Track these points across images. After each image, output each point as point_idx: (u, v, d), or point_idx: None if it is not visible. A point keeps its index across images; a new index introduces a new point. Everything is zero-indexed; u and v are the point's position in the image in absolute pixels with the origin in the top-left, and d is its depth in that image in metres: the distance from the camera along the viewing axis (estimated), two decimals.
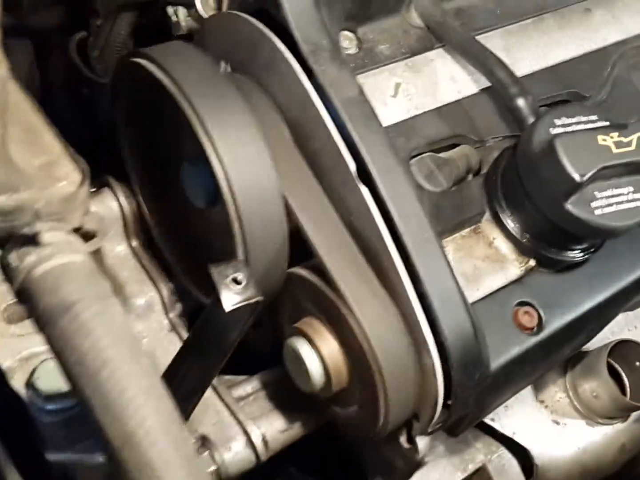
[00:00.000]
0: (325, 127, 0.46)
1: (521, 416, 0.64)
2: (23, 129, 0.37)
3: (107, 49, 0.65)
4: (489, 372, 0.48)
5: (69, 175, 0.36)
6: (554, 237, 0.51)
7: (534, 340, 0.51)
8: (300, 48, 0.47)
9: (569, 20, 0.67)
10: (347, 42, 0.57)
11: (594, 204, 0.48)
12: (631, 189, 0.49)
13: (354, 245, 0.47)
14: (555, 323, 0.52)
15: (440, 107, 0.57)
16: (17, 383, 0.51)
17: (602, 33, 0.68)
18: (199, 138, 0.44)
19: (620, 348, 0.65)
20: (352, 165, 0.46)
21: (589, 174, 0.46)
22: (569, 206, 0.47)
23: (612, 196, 0.48)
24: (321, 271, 0.47)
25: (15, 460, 0.47)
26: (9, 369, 0.52)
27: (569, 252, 0.52)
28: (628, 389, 0.67)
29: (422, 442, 0.52)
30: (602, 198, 0.48)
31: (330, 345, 0.48)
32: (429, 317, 0.46)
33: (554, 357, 0.55)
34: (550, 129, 0.49)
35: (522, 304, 0.52)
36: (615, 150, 0.47)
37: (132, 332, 0.34)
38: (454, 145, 0.56)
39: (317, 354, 0.48)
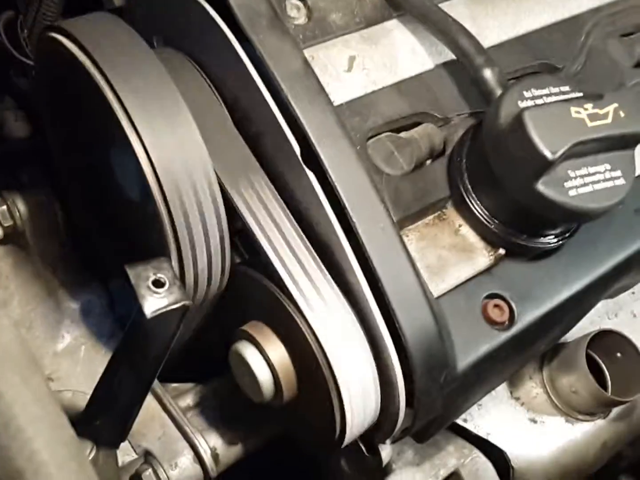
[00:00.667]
0: (265, 105, 0.41)
1: (496, 415, 0.60)
2: None
3: (37, 28, 0.59)
4: (456, 372, 0.43)
5: None
6: (524, 222, 0.46)
7: (505, 335, 0.46)
8: (236, 15, 0.41)
9: None
10: (295, 11, 0.51)
11: (567, 184, 0.43)
12: (608, 166, 0.44)
13: (304, 239, 0.42)
14: (528, 316, 0.47)
15: (399, 82, 0.51)
16: None
17: (576, 0, 0.63)
18: (119, 122, 0.38)
19: (600, 338, 0.61)
20: (296, 148, 0.41)
21: (562, 151, 0.41)
22: (540, 187, 0.42)
23: (588, 175, 0.43)
24: (268, 269, 0.42)
25: None
26: None
27: (542, 238, 0.47)
28: (609, 382, 0.63)
29: (385, 451, 0.47)
30: (576, 177, 0.43)
31: (279, 351, 0.43)
32: (386, 317, 0.41)
33: (528, 352, 0.50)
34: (519, 102, 0.44)
35: (491, 296, 0.47)
36: (590, 123, 0.42)
37: (24, 347, 0.29)
38: (415, 124, 0.51)
39: (266, 361, 0.43)
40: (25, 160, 0.62)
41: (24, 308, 0.55)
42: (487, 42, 0.57)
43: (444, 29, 0.51)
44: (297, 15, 0.51)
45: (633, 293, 0.69)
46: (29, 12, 0.60)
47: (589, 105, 0.43)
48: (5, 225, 0.52)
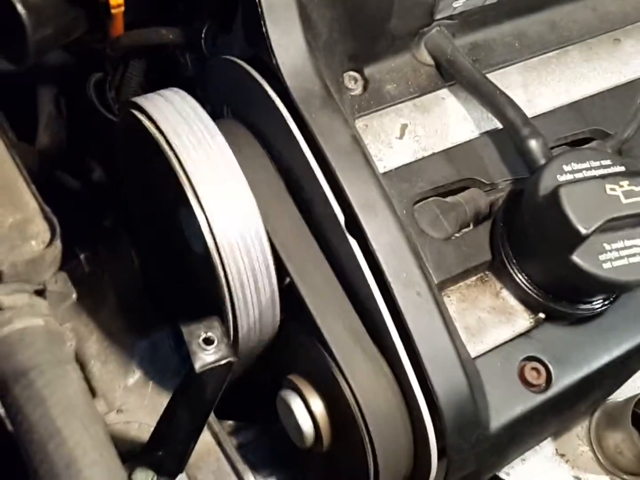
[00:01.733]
0: (314, 177, 0.45)
1: (539, 471, 0.60)
2: (2, 187, 0.37)
3: (123, 89, 0.65)
4: (488, 432, 0.45)
5: (39, 234, 0.36)
6: (563, 289, 0.48)
7: (541, 398, 0.47)
8: (292, 96, 0.45)
9: (596, 52, 0.64)
10: (352, 82, 0.55)
11: (602, 257, 0.44)
12: None
13: (347, 300, 0.45)
14: (566, 380, 0.48)
15: (448, 149, 0.54)
16: None
17: (632, 65, 0.64)
18: (184, 191, 0.43)
19: None
20: (341, 217, 0.44)
21: (595, 227, 0.43)
22: (576, 258, 0.44)
23: (624, 248, 0.45)
24: (313, 328, 0.45)
25: None
26: None
27: (581, 305, 0.48)
28: None
29: None
30: (611, 250, 0.44)
31: (321, 404, 0.46)
32: (420, 377, 0.43)
33: (565, 415, 0.51)
34: (558, 176, 0.46)
35: (529, 359, 0.49)
36: (624, 200, 0.44)
37: (87, 399, 0.33)
38: (462, 189, 0.54)
39: (309, 410, 0.46)
40: (109, 206, 0.68)
41: (101, 344, 0.60)
42: (538, 109, 0.59)
43: (492, 101, 0.53)
44: (354, 87, 0.55)
45: None
46: (116, 74, 0.66)
47: (625, 182, 0.44)
48: (87, 270, 0.57)
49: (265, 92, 0.46)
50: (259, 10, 0.44)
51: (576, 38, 0.63)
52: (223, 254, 0.43)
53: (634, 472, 0.61)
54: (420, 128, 0.55)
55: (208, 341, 0.38)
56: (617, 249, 0.44)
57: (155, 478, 0.52)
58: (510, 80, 0.59)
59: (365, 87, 0.55)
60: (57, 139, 0.71)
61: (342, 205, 0.44)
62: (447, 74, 0.56)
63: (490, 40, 0.60)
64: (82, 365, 0.58)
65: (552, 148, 0.55)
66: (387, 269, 0.43)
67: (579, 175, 0.46)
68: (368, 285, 0.44)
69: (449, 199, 0.53)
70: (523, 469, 0.60)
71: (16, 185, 0.38)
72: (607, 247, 0.44)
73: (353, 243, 0.44)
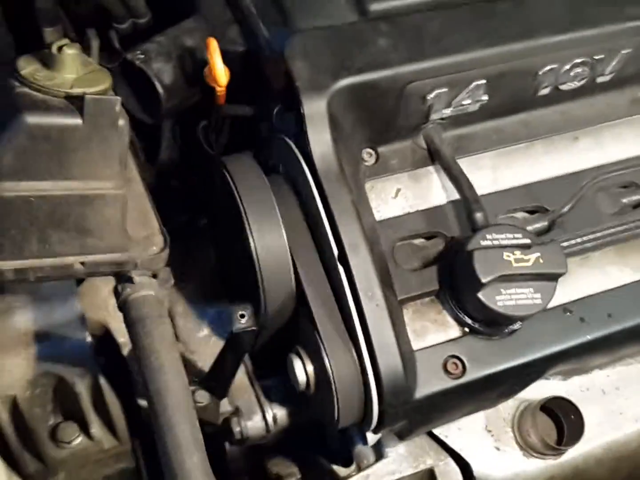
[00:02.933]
0: (323, 223, 0.70)
1: (470, 438, 0.84)
2: (138, 211, 0.65)
3: (220, 136, 0.92)
4: (412, 399, 0.69)
5: (158, 243, 0.63)
6: (477, 316, 0.71)
7: (455, 383, 0.71)
8: (317, 172, 0.71)
9: (556, 147, 0.85)
10: (367, 156, 0.79)
11: (498, 297, 0.67)
12: (532, 290, 0.68)
13: (335, 304, 0.70)
14: (475, 374, 0.72)
15: (427, 209, 0.78)
16: None
17: (583, 159, 0.84)
18: (245, 228, 0.69)
19: (557, 401, 0.83)
20: (335, 251, 0.69)
21: (490, 278, 0.66)
22: (480, 296, 0.67)
23: (515, 293, 0.68)
24: (312, 318, 0.71)
25: None
26: None
27: (491, 327, 0.72)
28: (566, 433, 0.85)
29: (370, 437, 0.74)
30: (506, 294, 0.68)
31: (312, 366, 0.72)
32: (372, 357, 0.68)
33: (474, 399, 0.75)
34: (481, 241, 0.69)
35: (453, 356, 0.72)
36: (514, 264, 0.67)
37: (174, 340, 0.60)
38: (431, 237, 0.78)
39: (304, 369, 0.72)
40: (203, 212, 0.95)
41: (185, 308, 0.88)
42: (500, 187, 0.81)
43: (457, 181, 0.77)
44: (369, 159, 0.79)
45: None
46: (217, 125, 0.93)
47: (518, 252, 0.67)
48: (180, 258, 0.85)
49: (302, 166, 0.72)
50: (304, 127, 0.70)
51: (543, 134, 0.85)
52: (262, 267, 0.69)
53: (541, 452, 0.84)
54: (410, 192, 0.79)
55: (242, 316, 0.65)
56: (509, 294, 0.67)
57: (208, 396, 0.79)
58: (482, 163, 0.82)
59: (377, 160, 0.79)
60: (172, 160, 0.99)
61: (337, 243, 0.69)
62: (433, 157, 0.80)
63: (473, 133, 0.83)
64: (172, 320, 0.86)
65: (505, 214, 0.79)
66: (360, 287, 0.68)
67: (495, 242, 0.69)
68: (347, 297, 0.69)
69: (419, 242, 0.77)
70: (458, 434, 0.84)
71: (145, 206, 0.64)
72: (503, 291, 0.67)
73: (341, 269, 0.69)
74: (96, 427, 0.77)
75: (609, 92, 0.87)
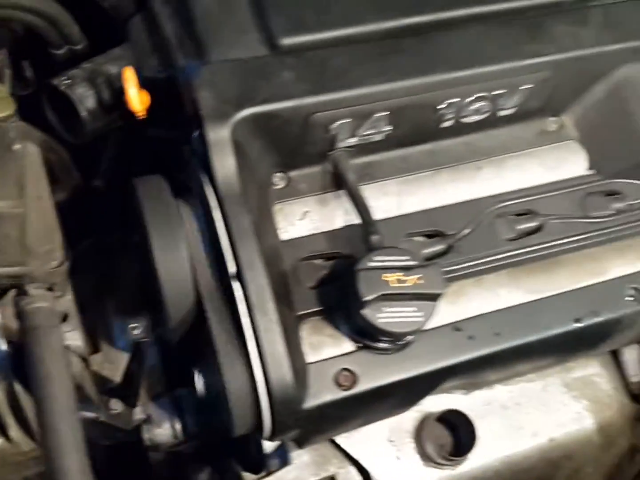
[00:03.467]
0: (222, 242, 0.74)
1: (372, 447, 0.88)
2: (43, 226, 0.69)
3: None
4: (302, 409, 0.73)
5: (58, 258, 0.67)
6: (365, 332, 0.75)
7: (344, 394, 0.75)
8: (220, 194, 0.75)
9: (460, 175, 0.89)
10: (278, 180, 0.84)
11: (379, 315, 0.71)
12: (415, 309, 0.72)
13: (232, 320, 0.74)
14: (365, 386, 0.75)
15: (329, 231, 0.82)
16: None
17: (484, 187, 0.89)
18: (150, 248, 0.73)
19: (453, 414, 0.87)
20: (232, 269, 0.73)
21: (371, 297, 0.70)
22: (364, 313, 0.72)
23: (397, 311, 0.72)
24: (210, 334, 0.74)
25: None
26: None
27: (379, 343, 0.76)
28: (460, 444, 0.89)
29: (268, 445, 0.78)
30: (388, 312, 0.71)
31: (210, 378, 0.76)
32: (264, 371, 0.72)
33: (366, 410, 0.79)
34: (368, 263, 0.73)
35: (345, 369, 0.76)
36: (395, 284, 0.71)
37: (62, 349, 0.64)
38: (332, 258, 0.82)
39: (203, 381, 0.76)
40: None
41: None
42: (403, 211, 0.86)
43: (356, 205, 0.81)
44: (280, 183, 0.84)
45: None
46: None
47: (399, 273, 0.71)
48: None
49: (206, 188, 0.76)
50: (208, 153, 0.74)
51: (448, 163, 0.89)
52: (164, 283, 0.73)
53: (436, 460, 0.87)
54: (316, 215, 0.83)
55: (133, 328, 0.69)
56: (392, 312, 0.72)
57: (121, 404, 0.83)
58: (388, 190, 0.86)
59: (287, 184, 0.84)
60: (108, 179, 1.03)
61: (236, 261, 0.73)
62: (340, 182, 0.84)
63: (380, 161, 0.87)
64: (94, 331, 0.90)
65: (405, 238, 0.83)
66: (254, 303, 0.72)
67: (380, 264, 0.73)
68: (240, 312, 0.73)
69: (321, 262, 0.81)
70: (361, 442, 0.88)
71: (51, 222, 0.68)
72: (385, 309, 0.71)
73: (236, 286, 0.73)
74: (14, 430, 0.80)
75: (513, 125, 0.92)
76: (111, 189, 1.01)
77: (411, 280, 0.71)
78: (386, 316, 0.72)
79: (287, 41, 0.82)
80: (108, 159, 1.03)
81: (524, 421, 0.92)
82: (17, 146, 0.61)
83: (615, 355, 1.02)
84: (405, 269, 0.72)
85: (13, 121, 0.62)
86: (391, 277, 0.71)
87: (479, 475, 0.90)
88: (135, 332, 0.68)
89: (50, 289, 0.66)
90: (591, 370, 0.98)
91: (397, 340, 0.76)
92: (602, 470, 0.96)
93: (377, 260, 0.74)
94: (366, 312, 0.72)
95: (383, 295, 0.71)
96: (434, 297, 0.73)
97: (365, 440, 0.87)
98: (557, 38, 0.88)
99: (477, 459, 0.89)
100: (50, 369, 0.61)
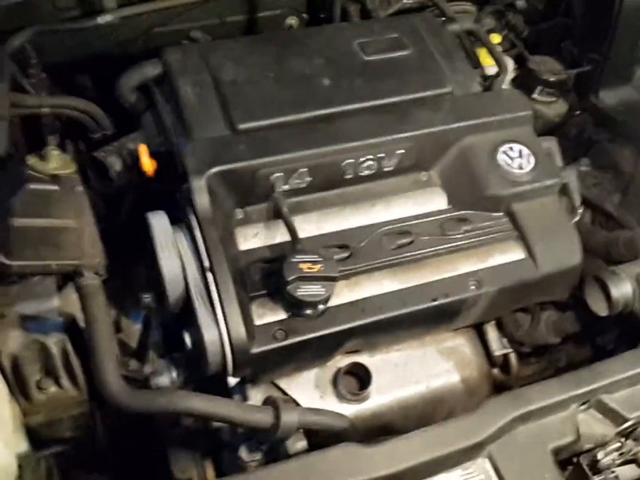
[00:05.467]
0: (200, 249, 1.13)
1: (304, 390, 1.23)
2: (90, 238, 1.08)
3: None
4: (251, 353, 1.11)
5: (100, 255, 1.06)
6: (291, 304, 1.13)
7: (278, 344, 1.12)
8: (199, 219, 1.15)
9: (359, 210, 1.27)
10: (238, 212, 1.24)
11: (298, 289, 1.10)
12: (320, 286, 1.11)
13: (208, 298, 1.12)
14: (292, 340, 1.13)
15: (272, 244, 1.21)
16: None
17: (376, 217, 1.28)
18: (157, 256, 1.13)
19: (357, 365, 1.24)
20: (206, 264, 1.12)
21: (290, 278, 1.09)
22: (288, 289, 1.10)
23: (309, 288, 1.10)
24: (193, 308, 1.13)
25: None
26: None
27: (302, 311, 1.14)
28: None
29: (231, 380, 1.15)
30: (303, 288, 1.10)
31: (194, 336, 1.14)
32: (227, 330, 1.09)
33: (294, 358, 1.16)
34: (292, 259, 1.12)
35: (280, 329, 1.14)
36: (306, 270, 1.10)
37: (106, 305, 1.02)
38: (274, 260, 1.21)
39: (190, 339, 1.14)
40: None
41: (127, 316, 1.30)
42: (321, 232, 1.25)
43: (289, 229, 1.21)
44: (239, 214, 1.24)
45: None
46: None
47: (310, 264, 1.10)
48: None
49: (191, 216, 1.16)
50: (192, 195, 1.14)
51: (351, 202, 1.29)
52: (166, 278, 1.12)
53: (347, 398, 1.23)
54: (263, 235, 1.23)
55: (145, 297, 1.07)
56: (305, 288, 1.10)
57: (136, 362, 1.20)
58: (311, 219, 1.25)
59: (244, 215, 1.24)
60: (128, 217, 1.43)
61: (209, 259, 1.12)
62: (278, 214, 1.24)
63: (305, 200, 1.26)
64: (118, 319, 1.28)
65: (323, 248, 1.22)
66: (221, 287, 1.11)
67: (299, 259, 1.12)
68: (212, 293, 1.11)
69: (266, 265, 1.20)
70: (296, 387, 1.24)
71: (95, 236, 1.07)
72: (302, 286, 1.10)
73: (210, 275, 1.12)
74: (64, 380, 1.17)
75: (395, 176, 1.33)
76: (130, 222, 1.41)
77: (316, 268, 1.11)
78: (302, 291, 1.10)
79: (242, 126, 1.24)
80: (128, 203, 1.43)
81: (409, 374, 1.28)
82: (79, 188, 1.01)
83: (480, 333, 1.39)
84: (313, 261, 1.12)
85: (74, 175, 1.02)
86: (304, 266, 1.10)
87: (378, 411, 1.25)
88: (146, 300, 1.06)
89: (96, 273, 1.05)
90: (458, 341, 1.34)
91: (313, 309, 1.14)
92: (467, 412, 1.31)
93: (297, 257, 1.13)
94: (289, 288, 1.10)
95: (299, 277, 1.10)
96: (332, 279, 1.12)
97: (299, 386, 1.23)
98: (418, 120, 1.30)
99: (376, 399, 1.25)
100: (97, 315, 0.99)
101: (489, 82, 1.43)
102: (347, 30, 1.45)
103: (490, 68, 1.52)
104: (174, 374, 1.20)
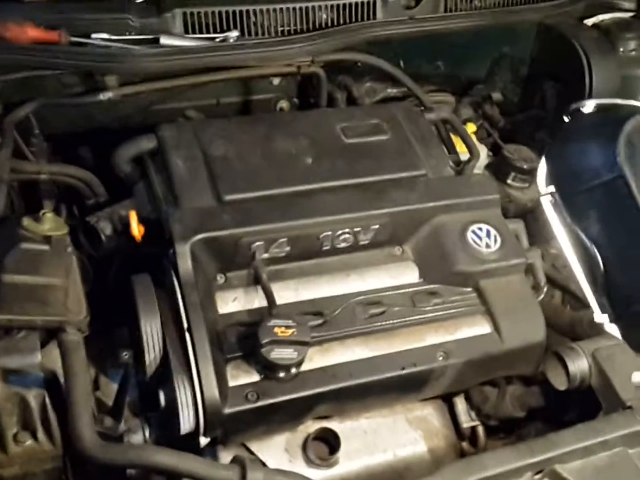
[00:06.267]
0: (181, 311, 1.17)
1: (274, 453, 1.25)
2: (75, 295, 1.12)
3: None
4: (222, 413, 1.13)
5: (83, 313, 1.10)
6: (264, 367, 1.17)
7: (250, 406, 1.15)
8: (182, 284, 1.20)
9: (335, 280, 1.33)
10: (219, 278, 1.29)
11: (272, 353, 1.13)
12: (292, 350, 1.14)
13: (185, 359, 1.16)
14: (264, 402, 1.15)
15: (250, 309, 1.26)
16: None
17: (350, 287, 1.33)
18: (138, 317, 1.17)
19: (326, 431, 1.26)
20: (185, 325, 1.16)
21: (264, 341, 1.13)
22: (261, 351, 1.13)
23: (282, 351, 1.14)
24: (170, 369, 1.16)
25: None
26: None
27: (275, 374, 1.17)
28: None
29: (202, 440, 1.16)
30: (277, 351, 1.13)
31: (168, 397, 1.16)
32: (200, 391, 1.12)
33: (265, 420, 1.18)
34: (267, 324, 1.16)
35: (252, 391, 1.16)
36: (279, 334, 1.14)
37: (85, 361, 1.05)
38: (253, 324, 1.24)
39: (164, 399, 1.16)
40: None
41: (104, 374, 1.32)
42: (298, 299, 1.30)
43: (267, 295, 1.25)
44: (220, 280, 1.29)
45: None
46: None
47: (283, 328, 1.14)
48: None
49: (174, 281, 1.21)
50: (176, 260, 1.20)
51: (328, 272, 1.34)
52: (145, 337, 1.16)
53: (316, 463, 1.24)
54: (242, 300, 1.27)
55: (125, 355, 1.10)
56: (278, 351, 1.13)
57: (111, 420, 1.22)
58: (289, 286, 1.30)
59: (225, 280, 1.29)
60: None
61: (187, 321, 1.16)
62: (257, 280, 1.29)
63: (284, 269, 1.31)
64: (96, 377, 1.30)
65: (299, 314, 1.26)
66: (197, 347, 1.14)
67: (274, 324, 1.16)
68: (189, 353, 1.14)
69: (241, 328, 1.24)
70: (267, 450, 1.25)
71: (80, 293, 1.12)
72: (276, 350, 1.13)
73: (188, 337, 1.15)
74: (41, 434, 1.18)
75: (371, 250, 1.39)
76: (116, 285, 1.45)
77: (290, 332, 1.15)
78: (275, 354, 1.14)
79: (228, 197, 1.31)
80: (116, 266, 1.47)
81: (378, 442, 1.29)
82: (69, 249, 1.06)
83: (449, 404, 1.42)
84: (287, 326, 1.16)
85: (66, 237, 1.08)
86: (278, 330, 1.14)
87: (345, 477, 1.25)
88: (125, 357, 1.09)
89: (79, 329, 1.08)
90: (426, 411, 1.36)
91: (285, 372, 1.17)
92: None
93: (272, 322, 1.17)
94: (263, 350, 1.14)
95: (273, 340, 1.14)
96: (305, 344, 1.15)
97: (269, 448, 1.25)
98: (393, 198, 1.37)
99: (345, 465, 1.26)
100: (77, 370, 1.02)
101: (461, 167, 1.52)
102: (332, 115, 1.55)
103: (465, 155, 1.61)
104: (147, 433, 1.21)
